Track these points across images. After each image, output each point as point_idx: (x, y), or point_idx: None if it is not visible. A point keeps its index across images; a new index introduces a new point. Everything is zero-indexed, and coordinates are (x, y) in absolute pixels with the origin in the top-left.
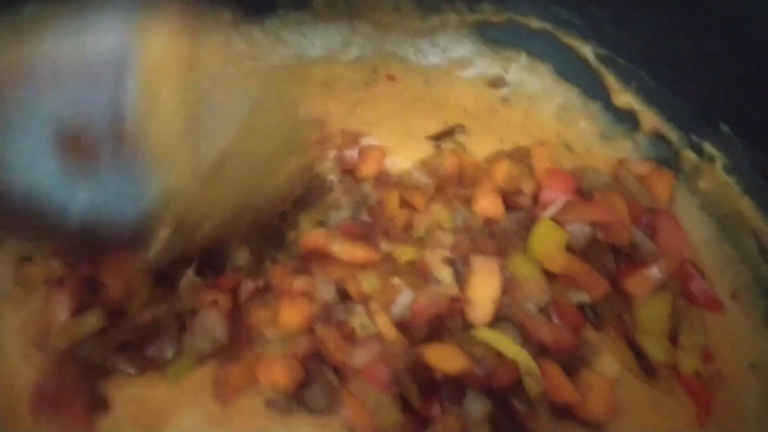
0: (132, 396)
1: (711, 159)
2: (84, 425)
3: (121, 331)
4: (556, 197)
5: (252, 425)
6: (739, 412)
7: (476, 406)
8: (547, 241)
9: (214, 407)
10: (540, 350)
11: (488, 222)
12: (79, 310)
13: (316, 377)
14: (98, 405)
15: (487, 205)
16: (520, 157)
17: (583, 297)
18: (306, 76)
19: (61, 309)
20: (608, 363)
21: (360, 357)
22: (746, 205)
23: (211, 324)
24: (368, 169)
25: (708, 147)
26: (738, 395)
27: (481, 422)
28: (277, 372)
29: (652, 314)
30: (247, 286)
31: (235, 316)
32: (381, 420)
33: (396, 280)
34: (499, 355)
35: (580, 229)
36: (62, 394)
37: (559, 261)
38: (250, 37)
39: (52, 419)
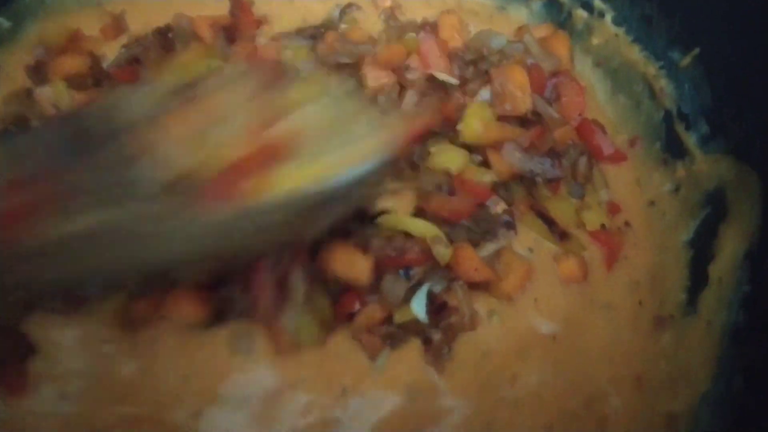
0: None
1: (601, 14)
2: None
3: None
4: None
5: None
6: (641, 248)
7: (394, 287)
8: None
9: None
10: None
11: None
12: None
13: (229, 310)
14: (27, 350)
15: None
16: (430, 28)
17: (492, 176)
18: None
19: None
20: (523, 234)
21: None
22: (636, 53)
23: None
24: None
25: (597, 2)
26: (640, 233)
27: (402, 302)
28: (187, 307)
29: None
30: None
31: None
32: (303, 338)
33: None
34: (407, 235)
35: None
36: None
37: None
38: None
39: None
